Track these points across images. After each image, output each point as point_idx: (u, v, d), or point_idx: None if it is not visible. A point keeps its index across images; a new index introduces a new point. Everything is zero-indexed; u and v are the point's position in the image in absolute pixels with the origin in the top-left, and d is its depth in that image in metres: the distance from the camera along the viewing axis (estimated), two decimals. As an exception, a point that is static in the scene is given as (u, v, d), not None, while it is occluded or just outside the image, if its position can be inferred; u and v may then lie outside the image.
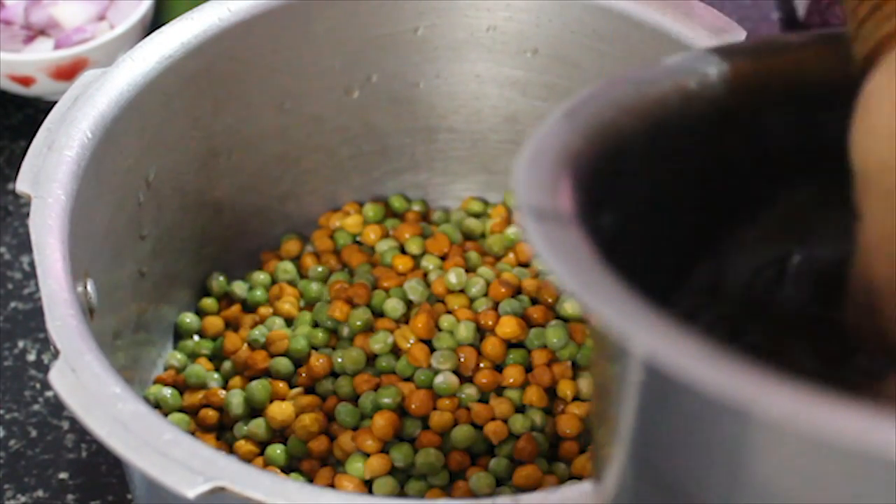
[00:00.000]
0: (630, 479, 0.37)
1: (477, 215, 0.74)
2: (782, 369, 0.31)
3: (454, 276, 0.67)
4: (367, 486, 0.60)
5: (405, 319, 0.66)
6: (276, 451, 0.62)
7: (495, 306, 0.66)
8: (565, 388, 0.63)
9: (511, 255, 0.70)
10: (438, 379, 0.63)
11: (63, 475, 0.67)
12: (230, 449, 0.63)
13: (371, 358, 0.65)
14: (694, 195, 0.42)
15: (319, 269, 0.71)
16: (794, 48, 0.42)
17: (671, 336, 0.31)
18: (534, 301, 0.67)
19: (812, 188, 0.42)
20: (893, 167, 0.34)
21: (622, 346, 0.34)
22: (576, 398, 0.64)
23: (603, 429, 0.38)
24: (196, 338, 0.68)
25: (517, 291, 0.67)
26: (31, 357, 0.72)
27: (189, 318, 0.68)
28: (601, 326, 0.35)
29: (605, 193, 0.38)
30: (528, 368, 0.64)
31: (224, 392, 0.64)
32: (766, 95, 0.41)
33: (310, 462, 0.62)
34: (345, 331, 0.66)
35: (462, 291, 0.67)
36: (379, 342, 0.64)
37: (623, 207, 0.39)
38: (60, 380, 0.50)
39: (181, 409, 0.64)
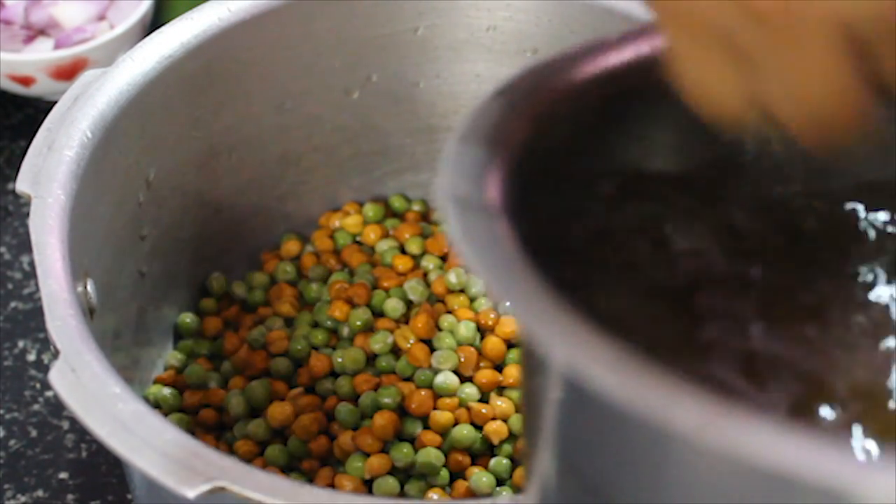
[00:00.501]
0: (556, 481, 0.37)
1: (477, 215, 0.74)
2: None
3: (454, 276, 0.67)
4: (367, 485, 0.60)
5: (405, 319, 0.66)
6: (276, 451, 0.62)
7: (495, 305, 0.66)
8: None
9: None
10: (438, 379, 0.63)
11: (63, 475, 0.67)
12: (230, 449, 0.63)
13: (371, 358, 0.65)
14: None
15: (319, 269, 0.71)
16: None
17: (587, 348, 0.30)
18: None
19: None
20: None
21: (542, 353, 0.34)
22: (576, 398, 0.64)
23: (529, 432, 0.38)
24: (196, 338, 0.68)
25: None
26: (31, 357, 0.72)
27: (189, 318, 0.68)
28: (524, 332, 0.35)
29: (536, 177, 0.37)
30: (528, 368, 0.64)
31: (224, 392, 0.64)
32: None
33: (310, 462, 0.62)
34: (345, 331, 0.66)
35: (462, 291, 0.67)
36: (379, 342, 0.64)
37: (554, 192, 0.39)
38: (60, 380, 0.50)
39: (181, 409, 0.64)
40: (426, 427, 0.62)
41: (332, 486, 0.60)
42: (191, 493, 0.46)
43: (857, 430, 0.34)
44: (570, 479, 0.36)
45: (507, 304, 0.32)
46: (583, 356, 0.30)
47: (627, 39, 0.41)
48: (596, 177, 0.41)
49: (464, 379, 0.64)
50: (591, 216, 0.40)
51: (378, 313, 0.67)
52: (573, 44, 0.41)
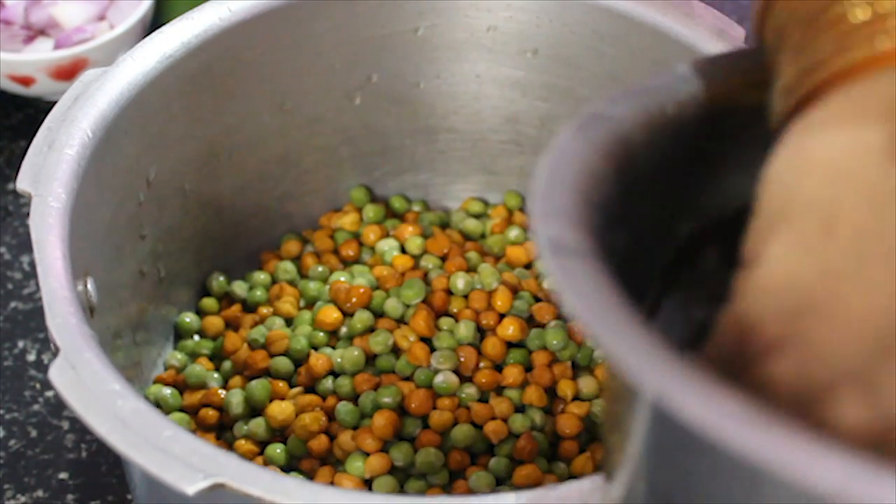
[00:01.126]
0: (639, 496, 0.36)
1: (477, 216, 0.74)
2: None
3: (461, 283, 0.67)
4: (367, 485, 0.60)
5: (405, 319, 0.66)
6: (276, 450, 0.62)
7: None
8: (565, 388, 0.63)
9: (511, 256, 0.70)
10: (438, 378, 0.63)
11: (63, 475, 0.67)
12: (230, 448, 0.62)
13: (371, 357, 0.65)
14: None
15: (319, 269, 0.71)
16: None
17: (685, 383, 0.29)
18: (535, 299, 0.67)
19: None
20: (817, 205, 0.32)
21: (636, 389, 0.33)
22: (576, 398, 0.64)
23: (615, 444, 0.37)
24: (196, 338, 0.68)
25: (515, 291, 0.67)
26: (31, 357, 0.72)
27: (189, 318, 0.68)
28: (616, 366, 0.34)
29: (619, 211, 0.37)
30: (528, 368, 0.64)
31: (224, 392, 0.64)
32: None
33: (310, 461, 0.62)
34: (343, 330, 0.66)
35: (465, 297, 0.67)
36: (379, 342, 0.64)
37: (635, 223, 0.38)
38: (60, 377, 0.50)
39: (181, 409, 0.64)
40: (426, 427, 0.62)
41: (331, 485, 0.60)
42: (190, 490, 0.46)
43: None
44: (655, 497, 0.35)
45: (603, 341, 0.31)
46: (685, 398, 0.29)
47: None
48: (676, 216, 0.40)
49: (464, 379, 0.64)
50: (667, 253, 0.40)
51: (378, 313, 0.67)
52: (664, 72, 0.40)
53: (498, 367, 0.65)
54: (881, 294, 0.30)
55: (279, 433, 0.63)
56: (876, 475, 0.27)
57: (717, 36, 0.63)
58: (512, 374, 0.64)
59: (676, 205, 0.41)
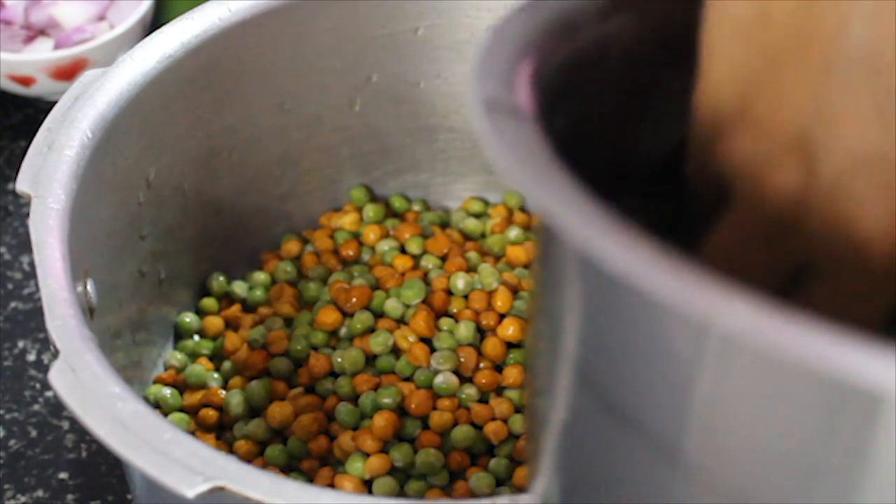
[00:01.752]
0: (574, 407, 0.35)
1: (477, 215, 0.74)
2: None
3: (461, 283, 0.67)
4: (367, 486, 0.60)
5: (405, 320, 0.66)
6: (276, 451, 0.62)
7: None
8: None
9: (511, 256, 0.70)
10: (438, 379, 0.63)
11: (63, 475, 0.67)
12: (230, 449, 0.63)
13: (371, 358, 0.65)
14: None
15: (319, 269, 0.71)
16: None
17: (616, 232, 0.29)
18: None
19: None
20: None
21: (562, 241, 0.32)
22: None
23: (541, 354, 0.37)
24: (196, 338, 0.68)
25: (515, 291, 0.67)
26: (31, 357, 0.72)
27: (189, 318, 0.68)
28: (545, 220, 0.34)
29: (560, 92, 0.37)
30: (528, 368, 0.64)
31: (224, 392, 0.64)
32: None
33: (310, 462, 0.62)
34: (343, 331, 0.66)
35: (465, 297, 0.67)
36: (379, 343, 0.64)
37: (576, 108, 0.38)
38: (60, 379, 0.50)
39: (181, 409, 0.64)
40: (426, 427, 0.62)
41: (331, 486, 0.60)
42: (190, 493, 0.46)
43: None
44: (587, 395, 0.34)
45: (531, 193, 0.31)
46: (615, 243, 0.29)
47: None
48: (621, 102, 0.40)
49: (464, 379, 0.64)
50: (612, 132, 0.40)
51: (378, 314, 0.67)
52: None
53: (498, 368, 0.65)
54: (814, 69, 0.33)
55: (279, 434, 0.63)
56: (785, 319, 0.27)
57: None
58: (512, 374, 0.64)
59: (628, 107, 0.41)
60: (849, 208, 0.33)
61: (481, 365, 0.64)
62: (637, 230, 0.29)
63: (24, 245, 0.77)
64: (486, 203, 0.75)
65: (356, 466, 0.60)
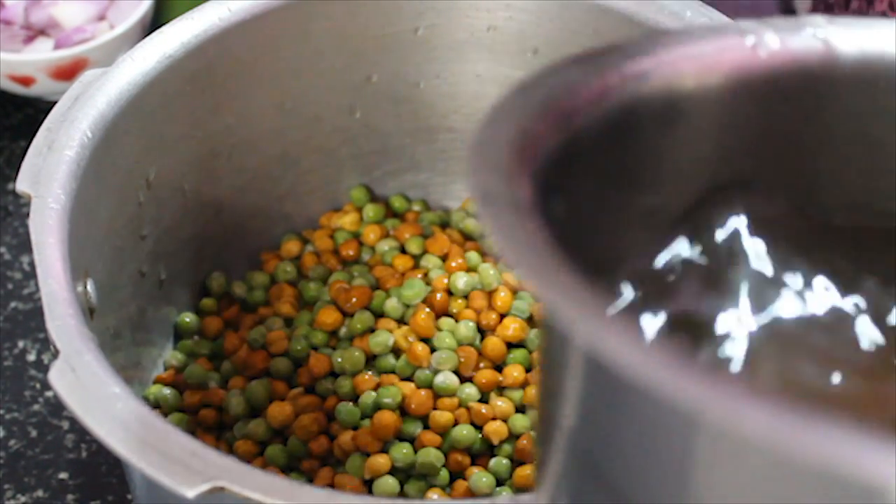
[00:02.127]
0: (571, 480, 0.36)
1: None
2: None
3: (462, 283, 0.67)
4: (367, 485, 0.60)
5: (405, 320, 0.66)
6: (276, 451, 0.62)
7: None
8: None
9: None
10: (438, 379, 0.63)
11: (63, 475, 0.67)
12: (230, 449, 0.63)
13: (371, 358, 0.65)
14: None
15: (319, 269, 0.71)
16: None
17: (617, 329, 0.30)
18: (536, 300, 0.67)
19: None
20: None
21: (567, 335, 0.33)
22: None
23: (545, 425, 0.37)
24: (196, 338, 0.68)
25: (515, 291, 0.67)
26: (31, 357, 0.72)
27: (189, 318, 0.68)
28: (549, 314, 0.34)
29: (558, 180, 0.37)
30: (529, 368, 0.64)
31: (224, 392, 0.64)
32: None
33: (310, 462, 0.62)
34: (343, 331, 0.66)
35: (465, 298, 0.67)
36: (379, 343, 0.64)
37: (574, 195, 0.38)
38: (60, 379, 0.50)
39: (181, 409, 0.64)
40: (426, 427, 0.62)
41: (332, 486, 0.60)
42: (190, 493, 0.46)
43: None
44: (586, 475, 0.35)
45: (534, 285, 0.31)
46: (617, 341, 0.29)
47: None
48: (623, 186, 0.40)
49: (464, 379, 0.64)
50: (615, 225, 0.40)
51: (378, 314, 0.67)
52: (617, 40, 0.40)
53: (498, 368, 0.65)
54: None
55: (279, 433, 0.63)
56: (806, 424, 0.27)
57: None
58: (512, 374, 0.64)
59: (623, 189, 0.41)
60: None
61: (481, 365, 0.64)
62: (630, 326, 0.30)
63: (24, 245, 0.77)
64: (486, 203, 0.75)
65: (356, 466, 0.60)
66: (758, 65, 0.39)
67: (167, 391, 0.64)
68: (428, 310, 0.65)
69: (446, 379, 0.63)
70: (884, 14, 0.70)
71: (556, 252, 0.32)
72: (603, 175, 0.40)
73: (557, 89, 0.38)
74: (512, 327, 0.65)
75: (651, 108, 0.39)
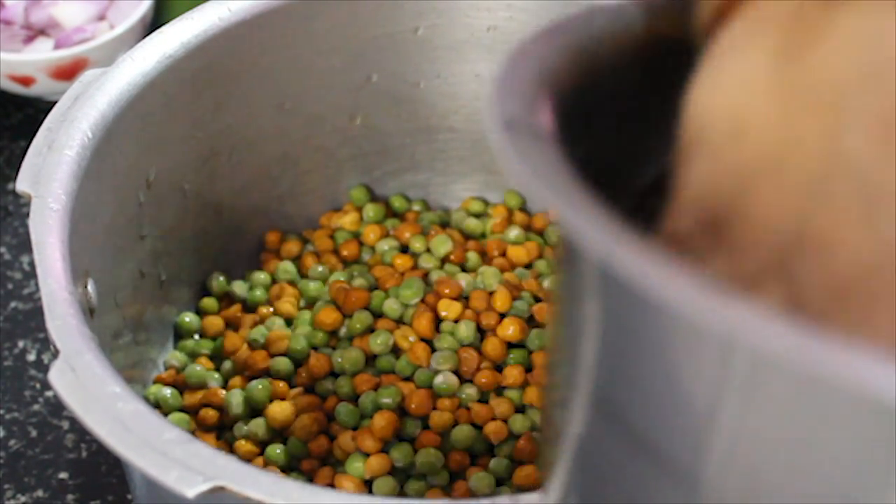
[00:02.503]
0: (589, 424, 0.34)
1: (477, 215, 0.74)
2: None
3: (462, 283, 0.67)
4: (367, 485, 0.60)
5: (405, 320, 0.66)
6: (276, 451, 0.62)
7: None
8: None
9: (511, 256, 0.70)
10: (438, 379, 0.63)
11: (63, 475, 0.67)
12: (230, 449, 0.63)
13: (371, 358, 0.65)
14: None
15: (319, 268, 0.71)
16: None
17: (641, 246, 0.28)
18: (535, 300, 0.67)
19: None
20: (727, 114, 0.33)
21: (584, 256, 0.32)
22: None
23: (559, 366, 0.36)
24: (196, 338, 0.68)
25: (515, 291, 0.67)
26: (31, 357, 0.72)
27: (189, 318, 0.68)
28: (569, 239, 0.33)
29: (578, 110, 0.37)
30: (529, 368, 0.64)
31: (224, 392, 0.64)
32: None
33: (310, 462, 0.62)
34: (342, 331, 0.66)
35: (466, 298, 0.67)
36: (379, 343, 0.64)
37: (594, 127, 0.38)
38: (60, 379, 0.50)
39: (181, 409, 0.64)
40: (426, 427, 0.62)
41: (331, 486, 0.60)
42: (190, 493, 0.46)
43: None
44: (603, 415, 0.34)
45: (552, 206, 0.31)
46: (638, 257, 0.28)
47: None
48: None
49: (464, 379, 0.64)
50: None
51: (378, 314, 0.67)
52: None
53: (498, 368, 0.65)
54: (794, 187, 0.32)
55: (279, 433, 0.63)
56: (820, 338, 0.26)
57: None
58: (512, 374, 0.64)
59: (639, 137, 0.41)
60: (844, 325, 0.31)
61: (482, 365, 0.64)
62: (661, 246, 0.29)
63: (24, 245, 0.77)
64: (486, 203, 0.75)
65: (356, 466, 0.60)
66: None
67: (167, 391, 0.64)
68: (428, 310, 0.65)
69: (446, 379, 0.63)
70: None
71: (575, 176, 0.32)
72: (621, 107, 0.40)
73: (581, 33, 0.38)
74: (512, 327, 0.65)
75: (668, 45, 0.39)
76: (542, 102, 0.35)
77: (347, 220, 0.73)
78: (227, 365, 0.66)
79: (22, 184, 0.57)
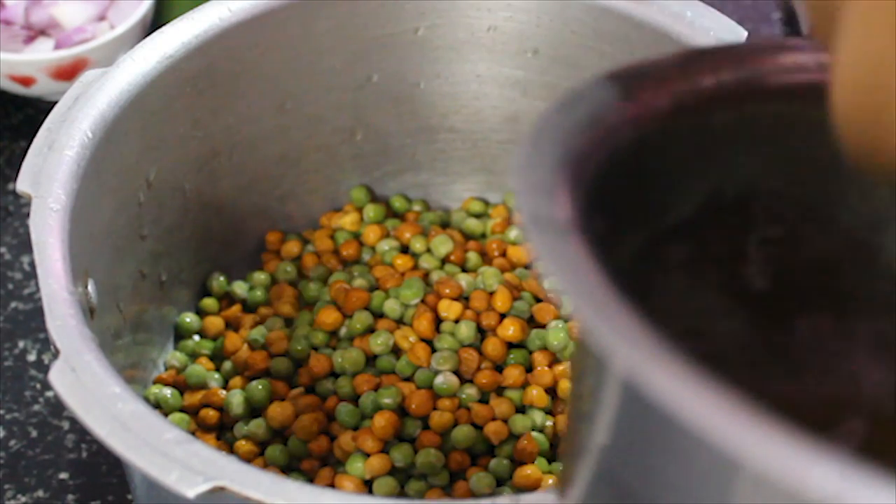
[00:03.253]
0: (598, 497, 0.36)
1: (477, 215, 0.74)
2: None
3: (462, 283, 0.67)
4: (368, 486, 0.60)
5: (405, 320, 0.66)
6: (276, 451, 0.62)
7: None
8: (566, 389, 0.63)
9: (512, 256, 0.70)
10: (438, 379, 0.63)
11: (63, 475, 0.67)
12: (230, 449, 0.63)
13: (371, 358, 0.65)
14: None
15: (320, 269, 0.71)
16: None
17: (659, 358, 0.29)
18: (535, 300, 0.67)
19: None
20: None
21: (608, 362, 0.33)
22: (576, 398, 0.64)
23: (575, 440, 0.37)
24: (196, 338, 0.68)
25: (516, 291, 0.67)
26: (31, 357, 0.72)
27: (189, 318, 0.68)
28: (589, 337, 0.34)
29: (599, 194, 0.37)
30: (529, 369, 0.64)
31: (224, 392, 0.64)
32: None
33: (310, 462, 0.62)
34: (343, 331, 0.66)
35: (467, 299, 0.67)
36: (379, 343, 0.64)
37: (614, 207, 0.38)
38: (60, 379, 0.50)
39: (181, 409, 0.64)
40: (426, 427, 0.62)
41: (332, 486, 0.60)
42: (191, 493, 0.46)
43: None
44: (614, 495, 0.35)
45: (578, 308, 0.31)
46: (658, 373, 0.29)
47: (720, 57, 0.40)
48: (669, 194, 0.40)
49: (464, 380, 0.64)
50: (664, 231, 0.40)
51: (378, 314, 0.67)
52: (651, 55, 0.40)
53: (498, 368, 0.65)
54: None
55: (279, 434, 0.63)
56: (868, 480, 0.27)
57: (717, 36, 0.63)
58: (512, 374, 0.64)
59: (656, 195, 0.41)
60: None
61: (482, 365, 0.64)
62: (684, 359, 0.29)
63: (24, 245, 0.77)
64: (486, 203, 0.75)
65: (356, 466, 0.60)
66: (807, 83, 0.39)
67: (167, 391, 0.64)
68: (429, 310, 0.65)
69: (446, 379, 0.63)
70: None
71: (603, 280, 0.32)
72: (638, 185, 0.40)
73: (601, 106, 0.38)
74: (512, 328, 0.65)
75: (691, 120, 0.39)
76: (562, 193, 0.35)
77: (348, 221, 0.73)
78: (227, 365, 0.66)
79: (22, 184, 0.57)
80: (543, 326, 0.65)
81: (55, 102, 0.61)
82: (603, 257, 0.33)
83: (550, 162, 0.36)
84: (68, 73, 0.79)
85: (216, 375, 0.65)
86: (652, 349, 0.30)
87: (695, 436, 0.29)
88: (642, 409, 0.32)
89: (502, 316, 0.66)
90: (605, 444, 0.34)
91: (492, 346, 0.64)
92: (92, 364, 0.50)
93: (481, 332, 0.65)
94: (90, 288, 0.57)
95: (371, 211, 0.73)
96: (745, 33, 0.63)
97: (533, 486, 0.60)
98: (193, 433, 0.63)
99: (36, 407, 0.69)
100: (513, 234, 0.72)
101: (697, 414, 0.28)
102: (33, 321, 0.73)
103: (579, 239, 0.33)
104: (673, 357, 0.29)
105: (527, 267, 0.70)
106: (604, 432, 0.34)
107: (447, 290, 0.66)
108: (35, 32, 0.83)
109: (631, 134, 0.38)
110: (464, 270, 0.70)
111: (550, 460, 0.62)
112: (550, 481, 0.61)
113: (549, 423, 0.63)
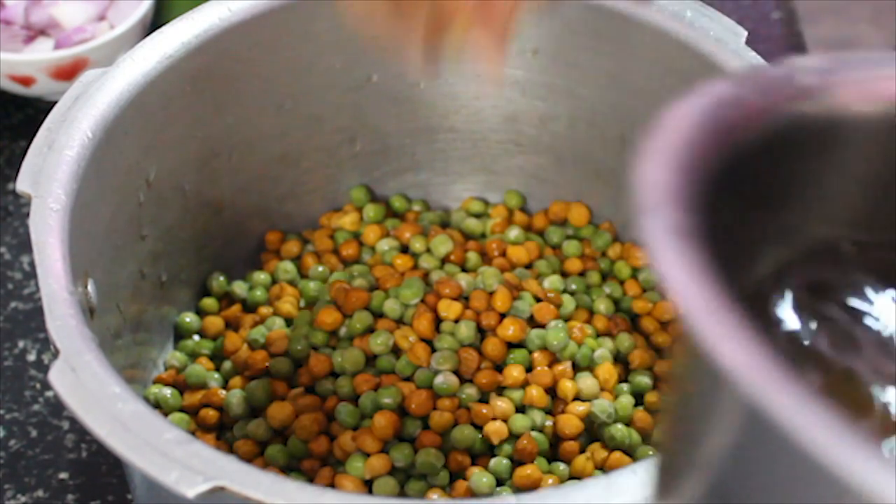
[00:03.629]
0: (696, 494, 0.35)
1: (477, 215, 0.74)
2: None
3: (462, 283, 0.67)
4: (367, 485, 0.60)
5: (404, 320, 0.66)
6: (276, 451, 0.62)
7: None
8: (565, 389, 0.63)
9: (511, 256, 0.70)
10: (438, 379, 0.63)
11: (63, 475, 0.67)
12: (230, 449, 0.63)
13: (371, 358, 0.65)
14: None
15: (320, 269, 0.71)
16: None
17: (786, 388, 0.29)
18: (535, 300, 0.67)
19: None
20: None
21: (723, 377, 0.32)
22: (576, 398, 0.64)
23: (681, 454, 0.36)
24: (196, 338, 0.68)
25: (515, 291, 0.67)
26: (31, 357, 0.72)
27: (189, 318, 0.68)
28: (707, 354, 0.32)
29: (713, 196, 0.37)
30: (529, 368, 0.64)
31: (224, 392, 0.64)
32: None
33: (310, 462, 0.62)
34: (343, 331, 0.66)
35: (467, 299, 0.67)
36: (379, 343, 0.64)
37: (723, 211, 0.38)
38: (60, 379, 0.50)
39: (181, 409, 0.64)
40: (426, 427, 0.62)
41: (332, 485, 0.60)
42: (190, 493, 0.46)
43: None
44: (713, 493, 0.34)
45: (695, 322, 0.31)
46: (784, 400, 0.29)
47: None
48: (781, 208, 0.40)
49: (464, 379, 0.64)
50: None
51: (378, 314, 0.67)
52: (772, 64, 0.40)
53: (498, 368, 0.65)
54: None
55: (279, 434, 0.63)
56: None
57: (717, 37, 0.63)
58: (512, 374, 0.64)
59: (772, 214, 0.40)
60: None
61: (481, 365, 0.64)
62: (803, 386, 0.29)
63: (24, 245, 0.77)
64: (486, 203, 0.75)
65: (356, 466, 0.60)
66: None
67: (167, 391, 0.64)
68: (429, 310, 0.65)
69: (446, 379, 0.63)
70: None
71: (720, 289, 0.31)
72: (752, 191, 0.39)
73: (724, 102, 0.37)
74: (512, 327, 0.65)
75: (812, 129, 0.39)
76: (680, 189, 0.34)
77: (347, 221, 0.73)
78: (227, 365, 0.66)
79: (22, 184, 0.57)
80: (543, 326, 0.65)
81: (55, 102, 0.61)
82: (727, 272, 0.33)
83: (670, 157, 0.35)
84: (68, 73, 0.79)
85: (216, 375, 0.65)
86: (780, 379, 0.29)
87: (812, 458, 0.29)
88: (767, 434, 0.31)
89: (502, 316, 0.66)
90: (722, 464, 0.34)
91: (491, 346, 0.64)
92: (92, 364, 0.50)
93: (481, 332, 0.65)
94: (90, 288, 0.57)
95: (371, 211, 0.73)
96: (745, 33, 0.63)
97: (533, 486, 0.60)
98: (193, 433, 0.63)
99: (36, 407, 0.69)
100: (513, 234, 0.72)
101: (820, 440, 0.28)
102: (33, 321, 0.73)
103: (694, 241, 0.33)
104: (800, 387, 0.29)
105: (527, 267, 0.70)
106: (715, 447, 0.34)
107: (447, 290, 0.66)
108: (35, 32, 0.83)
109: (754, 130, 0.38)
110: (463, 270, 0.70)
111: (550, 460, 0.62)
112: (550, 481, 0.61)
113: (548, 422, 0.63)
